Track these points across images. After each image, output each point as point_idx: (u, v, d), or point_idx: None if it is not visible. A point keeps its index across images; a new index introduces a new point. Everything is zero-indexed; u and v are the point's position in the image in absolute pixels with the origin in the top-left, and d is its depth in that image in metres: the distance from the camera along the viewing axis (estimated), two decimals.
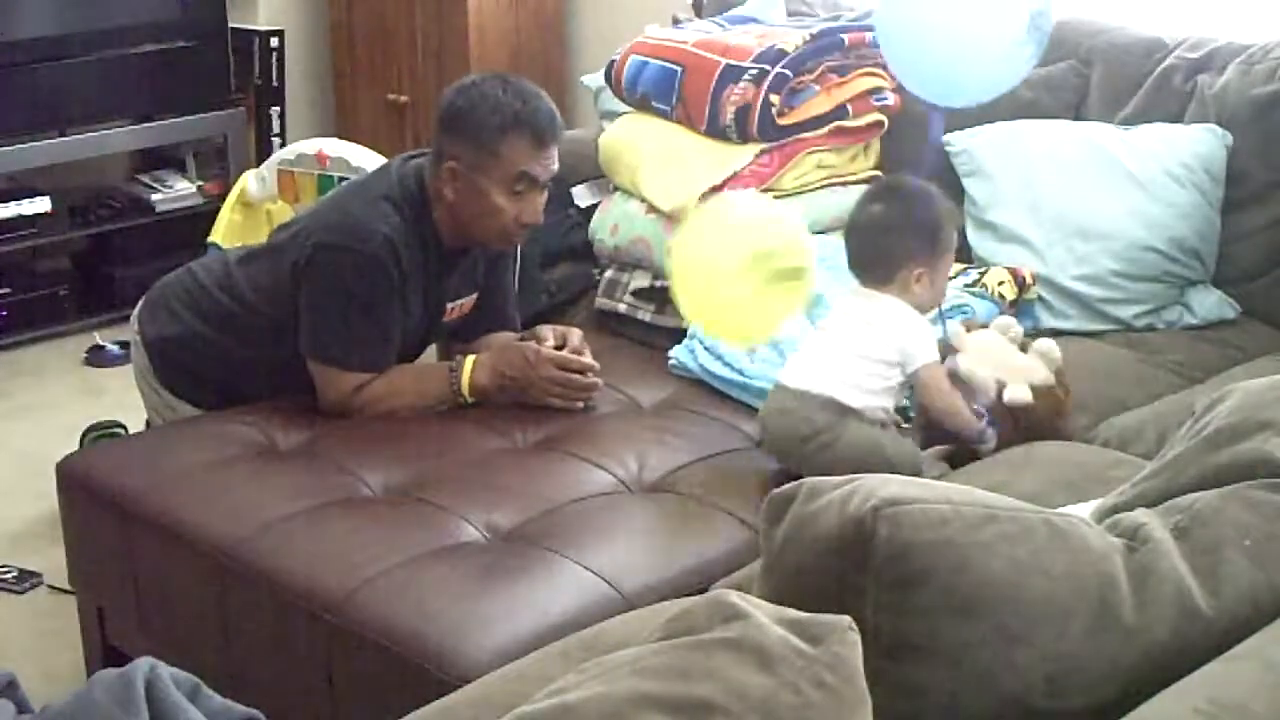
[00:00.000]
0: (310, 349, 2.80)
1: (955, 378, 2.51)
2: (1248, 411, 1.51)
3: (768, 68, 3.18)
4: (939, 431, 2.55)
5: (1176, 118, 3.15)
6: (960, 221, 2.63)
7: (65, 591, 3.03)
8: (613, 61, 3.50)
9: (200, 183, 4.95)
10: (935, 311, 2.60)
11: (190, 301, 2.94)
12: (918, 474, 2.36)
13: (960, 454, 2.53)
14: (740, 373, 2.85)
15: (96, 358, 4.51)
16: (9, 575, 3.29)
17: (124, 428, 3.54)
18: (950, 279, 3.00)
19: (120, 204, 4.81)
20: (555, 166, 2.79)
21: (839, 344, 2.53)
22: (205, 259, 3.17)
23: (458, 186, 2.75)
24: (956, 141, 3.26)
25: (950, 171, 3.24)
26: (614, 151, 3.45)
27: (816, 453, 2.46)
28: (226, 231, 3.76)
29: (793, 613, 1.15)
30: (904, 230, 2.53)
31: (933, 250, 2.54)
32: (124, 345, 4.25)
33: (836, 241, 3.14)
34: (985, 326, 2.60)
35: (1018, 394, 2.45)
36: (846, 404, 2.47)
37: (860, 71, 3.30)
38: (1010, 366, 2.50)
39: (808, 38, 3.23)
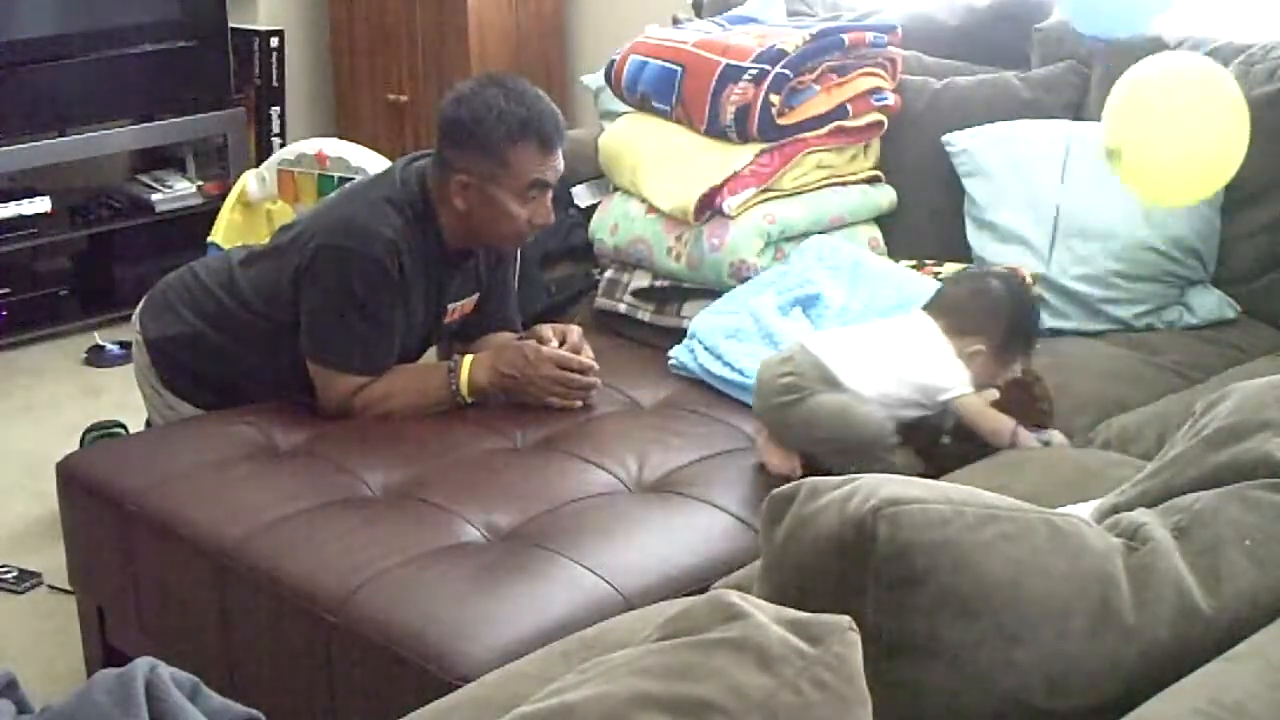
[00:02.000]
0: (311, 350, 2.80)
1: None
2: (1247, 412, 1.51)
3: (768, 68, 3.18)
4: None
5: None
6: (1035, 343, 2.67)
7: (65, 591, 3.03)
8: (613, 61, 3.50)
9: (200, 183, 4.95)
10: None
11: (192, 301, 2.94)
12: (881, 442, 2.45)
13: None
14: (740, 373, 2.84)
15: (96, 358, 4.51)
16: (9, 575, 3.29)
17: (124, 428, 3.53)
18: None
19: (120, 204, 4.81)
20: (562, 166, 2.81)
21: (877, 346, 2.57)
22: (207, 259, 3.17)
23: (469, 197, 2.75)
24: (956, 141, 3.26)
25: (952, 170, 3.25)
26: (614, 151, 3.45)
27: (790, 405, 2.50)
28: (226, 231, 3.76)
29: (793, 613, 1.15)
30: (983, 311, 2.56)
31: (1001, 343, 2.55)
32: (124, 345, 4.26)
33: (836, 242, 3.16)
34: None
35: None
36: (843, 384, 2.50)
37: (860, 71, 3.30)
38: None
39: (808, 38, 3.23)
